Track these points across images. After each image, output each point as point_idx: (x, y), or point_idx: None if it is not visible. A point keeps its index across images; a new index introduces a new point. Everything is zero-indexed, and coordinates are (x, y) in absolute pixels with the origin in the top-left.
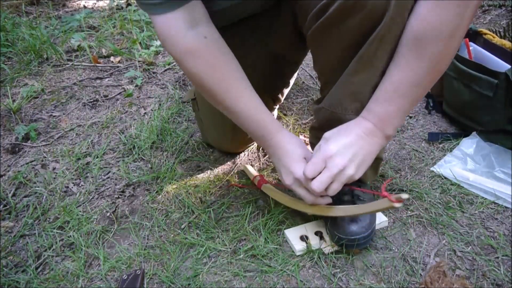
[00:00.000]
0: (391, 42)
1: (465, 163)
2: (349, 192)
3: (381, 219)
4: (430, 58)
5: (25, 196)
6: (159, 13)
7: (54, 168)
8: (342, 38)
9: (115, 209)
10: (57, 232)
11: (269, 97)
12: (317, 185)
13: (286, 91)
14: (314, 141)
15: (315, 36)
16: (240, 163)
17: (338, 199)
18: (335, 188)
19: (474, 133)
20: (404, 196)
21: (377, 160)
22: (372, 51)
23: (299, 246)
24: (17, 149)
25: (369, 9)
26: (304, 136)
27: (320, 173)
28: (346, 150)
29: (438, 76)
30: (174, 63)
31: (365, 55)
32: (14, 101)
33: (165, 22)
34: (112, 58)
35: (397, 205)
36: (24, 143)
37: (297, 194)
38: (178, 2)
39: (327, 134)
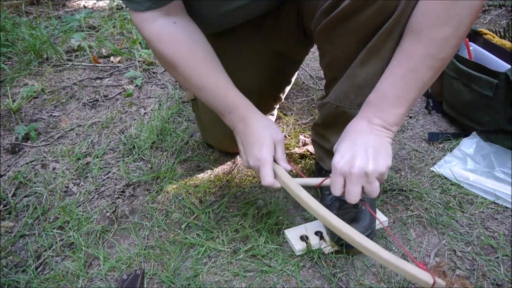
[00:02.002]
0: (399, 34)
1: (465, 163)
2: None
3: (381, 219)
4: (426, 42)
5: (25, 196)
6: (137, 10)
7: (54, 168)
8: (353, 32)
9: (115, 209)
10: (57, 232)
11: (271, 96)
12: (351, 198)
13: (287, 89)
14: (317, 138)
15: (324, 32)
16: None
17: (338, 199)
18: (371, 190)
19: (474, 133)
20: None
21: None
22: (381, 43)
23: (299, 246)
24: (17, 149)
25: (379, 5)
26: (304, 136)
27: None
28: (351, 152)
29: (438, 64)
30: None
31: (373, 47)
32: (14, 101)
33: (140, 16)
34: (112, 58)
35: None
36: (24, 143)
37: (256, 173)
38: (158, 2)
39: (335, 146)
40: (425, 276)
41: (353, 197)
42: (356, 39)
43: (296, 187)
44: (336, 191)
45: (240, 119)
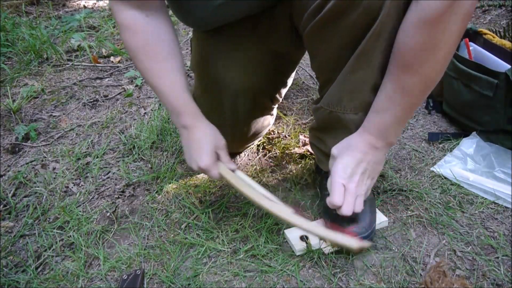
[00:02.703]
0: (388, 39)
1: (465, 163)
2: None
3: (381, 219)
4: (419, 73)
5: (25, 196)
6: None
7: (54, 168)
8: (339, 35)
9: (115, 209)
10: (57, 232)
11: (267, 96)
12: (347, 209)
13: (284, 91)
14: (314, 141)
15: (312, 35)
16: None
17: None
18: (360, 203)
19: (474, 133)
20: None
21: None
22: (369, 48)
23: (299, 246)
24: (17, 149)
25: (364, 7)
26: (304, 136)
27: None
28: (357, 170)
29: (432, 84)
30: None
31: (362, 52)
32: (14, 101)
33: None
34: (112, 58)
35: (356, 248)
36: (24, 143)
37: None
38: None
39: (334, 151)
40: (352, 242)
41: (349, 208)
42: (345, 40)
43: (238, 182)
44: (338, 201)
45: (184, 126)
